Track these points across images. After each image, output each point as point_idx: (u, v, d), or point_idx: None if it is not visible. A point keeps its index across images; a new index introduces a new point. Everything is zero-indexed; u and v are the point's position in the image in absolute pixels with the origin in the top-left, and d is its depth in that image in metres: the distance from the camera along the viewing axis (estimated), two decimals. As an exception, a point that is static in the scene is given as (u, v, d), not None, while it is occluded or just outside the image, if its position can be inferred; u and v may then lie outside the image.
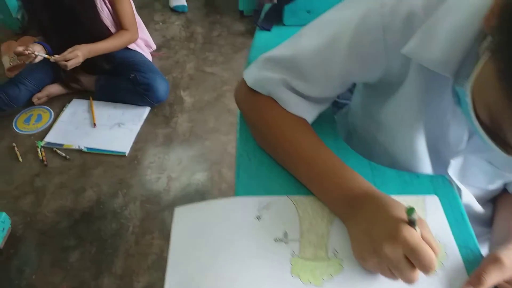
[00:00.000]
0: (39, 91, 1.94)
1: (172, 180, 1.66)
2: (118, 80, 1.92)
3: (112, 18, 1.87)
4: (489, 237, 0.65)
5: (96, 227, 1.48)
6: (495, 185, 0.62)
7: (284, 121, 0.59)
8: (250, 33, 2.50)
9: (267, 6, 0.96)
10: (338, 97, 0.82)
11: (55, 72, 1.92)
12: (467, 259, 0.50)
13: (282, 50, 0.60)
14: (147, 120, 1.91)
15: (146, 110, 1.94)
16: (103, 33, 1.83)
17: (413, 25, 0.48)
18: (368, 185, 0.52)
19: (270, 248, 0.50)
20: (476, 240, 0.52)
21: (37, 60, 1.71)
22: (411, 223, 0.43)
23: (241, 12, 2.65)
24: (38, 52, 1.70)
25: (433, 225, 0.49)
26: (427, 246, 0.42)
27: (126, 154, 1.75)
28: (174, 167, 1.71)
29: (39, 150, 1.75)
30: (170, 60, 2.31)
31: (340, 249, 0.50)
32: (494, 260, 0.46)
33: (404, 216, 0.44)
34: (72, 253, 1.41)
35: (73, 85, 2.00)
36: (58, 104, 2.00)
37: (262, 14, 0.94)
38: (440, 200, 0.56)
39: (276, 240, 0.51)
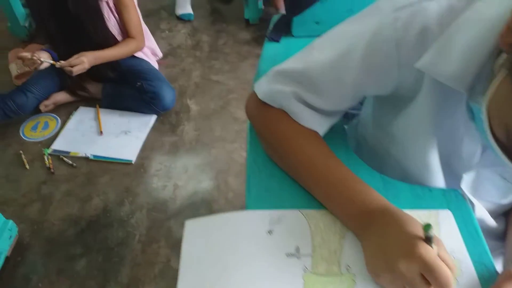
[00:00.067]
0: (46, 98, 1.95)
1: (179, 189, 1.65)
2: (125, 88, 1.93)
3: (119, 26, 1.89)
4: (502, 251, 0.64)
5: (103, 235, 1.48)
6: (508, 199, 0.62)
7: (296, 134, 0.59)
8: (256, 42, 2.51)
9: (275, 17, 0.96)
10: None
11: (62, 80, 1.93)
12: (482, 276, 0.49)
13: (293, 63, 0.60)
14: (153, 128, 1.92)
15: (153, 118, 1.95)
16: (109, 42, 1.84)
17: (427, 40, 0.48)
18: (382, 199, 0.51)
19: (282, 263, 0.50)
20: (490, 256, 0.51)
21: (42, 66, 1.72)
22: (428, 240, 0.43)
23: (247, 20, 2.67)
24: (44, 59, 1.71)
25: (447, 240, 0.49)
26: (444, 264, 0.41)
27: (133, 162, 1.75)
28: (180, 175, 1.71)
29: (46, 157, 1.76)
30: (177, 68, 2.32)
31: (352, 264, 0.50)
32: (510, 277, 0.46)
33: (419, 232, 0.44)
34: (79, 261, 1.40)
35: (80, 93, 2.01)
36: (65, 111, 2.01)
37: (271, 25, 0.94)
38: (453, 214, 0.55)
39: (288, 255, 0.51)
